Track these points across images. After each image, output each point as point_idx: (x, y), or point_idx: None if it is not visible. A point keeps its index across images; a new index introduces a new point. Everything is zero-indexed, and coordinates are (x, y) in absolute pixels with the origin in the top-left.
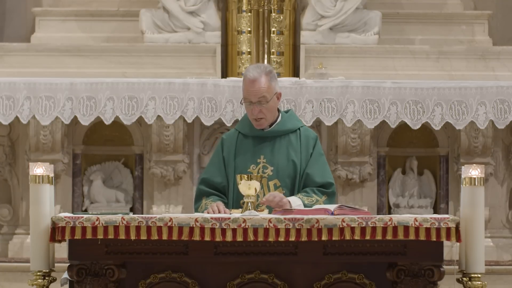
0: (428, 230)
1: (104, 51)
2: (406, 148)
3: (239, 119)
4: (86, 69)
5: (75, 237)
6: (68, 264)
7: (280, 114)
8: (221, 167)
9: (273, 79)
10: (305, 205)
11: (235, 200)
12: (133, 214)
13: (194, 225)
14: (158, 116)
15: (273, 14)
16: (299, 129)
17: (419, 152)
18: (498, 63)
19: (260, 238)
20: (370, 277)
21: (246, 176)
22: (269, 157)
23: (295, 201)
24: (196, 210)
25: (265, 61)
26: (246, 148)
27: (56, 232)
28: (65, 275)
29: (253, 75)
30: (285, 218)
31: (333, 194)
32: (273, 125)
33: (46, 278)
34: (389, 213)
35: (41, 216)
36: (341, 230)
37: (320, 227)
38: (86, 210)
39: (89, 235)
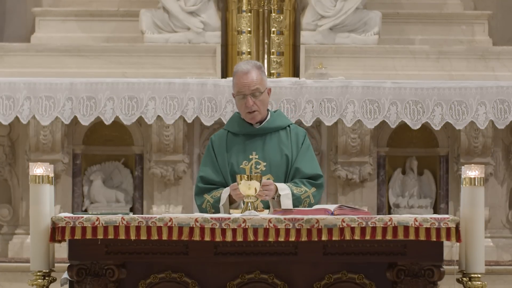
0: (428, 230)
1: (104, 51)
2: (406, 148)
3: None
4: (86, 69)
5: (75, 237)
6: (68, 264)
7: (269, 112)
8: (215, 165)
9: (264, 74)
10: (293, 194)
11: None
12: (133, 214)
13: (194, 225)
14: (158, 116)
15: (273, 14)
16: (288, 126)
17: (419, 152)
18: (498, 63)
19: (260, 238)
20: (370, 277)
21: (246, 176)
22: (261, 153)
23: (283, 188)
24: (200, 207)
25: (265, 61)
26: (237, 146)
27: (56, 232)
28: (65, 275)
29: (246, 67)
30: (285, 218)
31: (321, 186)
32: (263, 122)
33: (46, 278)
34: (389, 213)
35: (41, 216)
36: (341, 230)
37: (320, 227)
38: (86, 210)
39: (89, 235)
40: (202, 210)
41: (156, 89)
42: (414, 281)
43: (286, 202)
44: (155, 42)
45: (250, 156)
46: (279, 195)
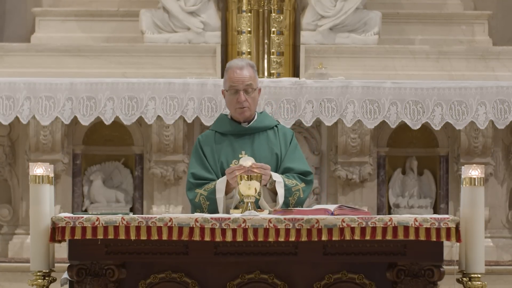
0: (428, 230)
1: (104, 51)
2: (406, 148)
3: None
4: (86, 69)
5: (75, 237)
6: (68, 264)
7: (256, 113)
8: (205, 164)
9: (256, 73)
10: (285, 184)
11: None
12: (133, 214)
13: (194, 225)
14: (158, 116)
15: (273, 14)
16: (276, 126)
17: (419, 152)
18: (498, 63)
19: (260, 238)
20: (370, 277)
21: (246, 176)
22: (250, 152)
23: (277, 176)
24: (193, 201)
25: (265, 61)
26: (226, 145)
27: (56, 232)
28: (65, 275)
29: (240, 63)
30: (285, 218)
31: (311, 183)
32: (252, 122)
33: (46, 278)
34: (389, 213)
35: (41, 216)
36: (341, 230)
37: (320, 227)
38: (86, 210)
39: (89, 235)
40: (195, 204)
41: (156, 89)
42: (414, 281)
43: (280, 190)
44: (155, 42)
45: (240, 155)
46: (273, 182)
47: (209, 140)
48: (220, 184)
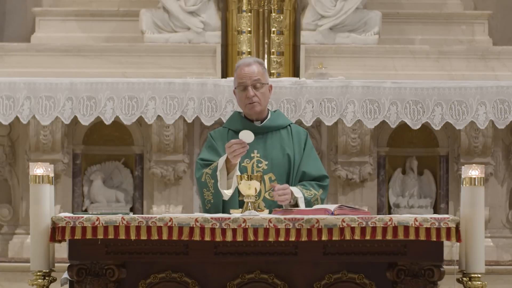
0: (428, 230)
1: (104, 51)
2: (406, 148)
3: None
4: (86, 69)
5: (75, 237)
6: (68, 264)
7: (269, 112)
8: (217, 150)
9: (265, 70)
10: (304, 198)
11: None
12: (133, 214)
13: (194, 225)
14: (158, 116)
15: (273, 14)
16: (289, 125)
17: (419, 152)
18: (498, 63)
19: (260, 238)
20: (370, 277)
21: (246, 176)
22: (263, 151)
23: (297, 192)
24: (199, 180)
25: (265, 61)
26: None
27: (56, 232)
28: (65, 275)
29: (248, 61)
30: (285, 218)
31: (327, 187)
32: (265, 121)
33: (46, 278)
34: (389, 213)
35: (41, 216)
36: (341, 230)
37: (320, 227)
38: (86, 210)
39: (89, 235)
40: (201, 184)
41: (156, 89)
42: (414, 281)
43: (302, 206)
44: (155, 42)
45: (252, 155)
46: (295, 198)
47: (222, 136)
48: (221, 160)
